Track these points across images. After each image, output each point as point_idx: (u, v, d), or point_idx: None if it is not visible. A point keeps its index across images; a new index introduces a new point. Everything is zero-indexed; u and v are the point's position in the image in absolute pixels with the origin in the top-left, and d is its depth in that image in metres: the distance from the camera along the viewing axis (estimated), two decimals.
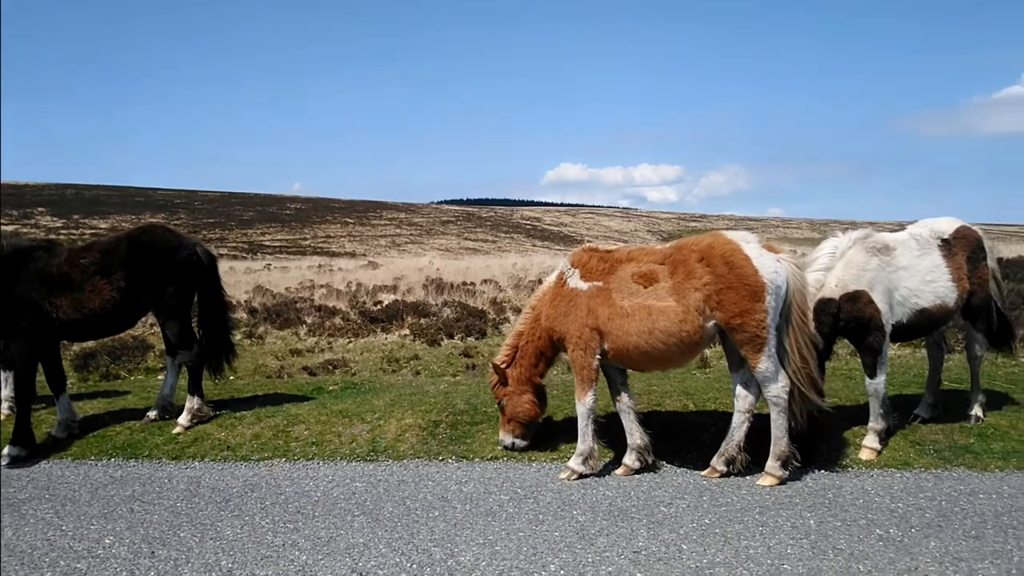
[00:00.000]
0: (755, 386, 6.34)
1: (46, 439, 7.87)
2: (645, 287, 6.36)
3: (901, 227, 7.40)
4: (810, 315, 6.38)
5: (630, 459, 6.62)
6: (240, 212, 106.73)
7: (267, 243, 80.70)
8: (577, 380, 6.61)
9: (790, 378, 6.16)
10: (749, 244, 6.28)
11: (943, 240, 7.15)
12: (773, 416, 6.22)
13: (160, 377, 11.83)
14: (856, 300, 6.55)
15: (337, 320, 18.01)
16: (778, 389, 6.16)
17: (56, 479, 6.90)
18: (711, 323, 6.19)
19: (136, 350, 12.33)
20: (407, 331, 17.12)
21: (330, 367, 13.00)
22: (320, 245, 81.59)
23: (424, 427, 7.65)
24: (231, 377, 10.82)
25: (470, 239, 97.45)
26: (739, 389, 6.44)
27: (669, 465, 6.71)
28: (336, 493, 6.33)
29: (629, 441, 6.66)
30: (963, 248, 7.17)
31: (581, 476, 6.49)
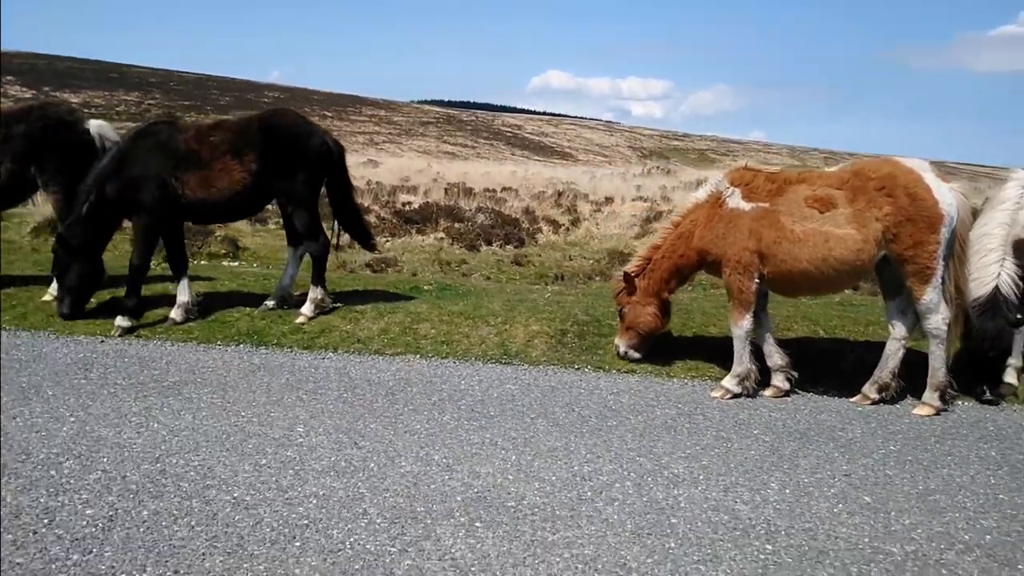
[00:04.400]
0: (912, 314, 6.35)
1: (161, 320, 7.71)
2: (821, 212, 6.24)
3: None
4: (969, 247, 6.38)
5: (779, 379, 6.64)
6: (217, 97, 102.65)
7: None
8: (733, 304, 6.56)
9: None
10: (927, 174, 6.20)
11: None
12: (932, 348, 6.26)
13: (225, 263, 11.57)
14: None
15: (371, 218, 17.68)
16: (939, 321, 6.18)
17: (196, 364, 6.73)
18: (882, 253, 6.17)
19: (198, 235, 11.96)
20: (442, 234, 16.95)
21: (382, 265, 12.85)
22: None
23: (552, 335, 7.59)
24: None
25: (449, 143, 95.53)
26: (895, 317, 6.46)
27: (812, 391, 6.76)
28: (495, 394, 6.28)
29: (770, 363, 6.67)
30: None
31: (735, 396, 6.53)
